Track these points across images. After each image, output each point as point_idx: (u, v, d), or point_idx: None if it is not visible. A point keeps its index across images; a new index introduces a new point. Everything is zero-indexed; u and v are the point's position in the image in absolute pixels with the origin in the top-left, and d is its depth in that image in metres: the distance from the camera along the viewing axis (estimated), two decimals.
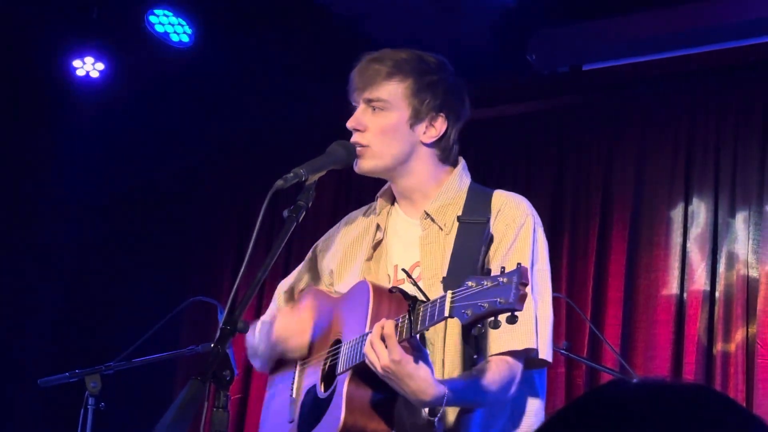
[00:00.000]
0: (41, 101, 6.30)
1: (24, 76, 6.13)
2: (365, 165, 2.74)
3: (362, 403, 2.54)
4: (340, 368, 2.61)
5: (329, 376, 2.68)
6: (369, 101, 2.74)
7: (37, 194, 6.48)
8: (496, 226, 2.65)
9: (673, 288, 5.15)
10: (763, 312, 4.90)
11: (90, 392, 4.03)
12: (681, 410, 1.18)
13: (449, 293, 2.30)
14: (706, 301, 5.06)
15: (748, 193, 5.11)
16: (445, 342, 2.58)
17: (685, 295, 5.14)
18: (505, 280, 2.21)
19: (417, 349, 2.42)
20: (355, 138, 2.74)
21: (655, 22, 5.25)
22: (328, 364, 2.71)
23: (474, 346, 2.52)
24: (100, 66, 5.94)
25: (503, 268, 2.24)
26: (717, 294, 5.04)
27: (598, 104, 5.74)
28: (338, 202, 6.12)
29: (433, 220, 2.73)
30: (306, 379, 2.80)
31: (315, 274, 2.96)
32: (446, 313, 2.29)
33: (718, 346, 4.97)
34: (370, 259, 2.80)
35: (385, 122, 2.72)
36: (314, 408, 2.69)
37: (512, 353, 2.54)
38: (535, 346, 2.56)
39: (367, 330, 2.51)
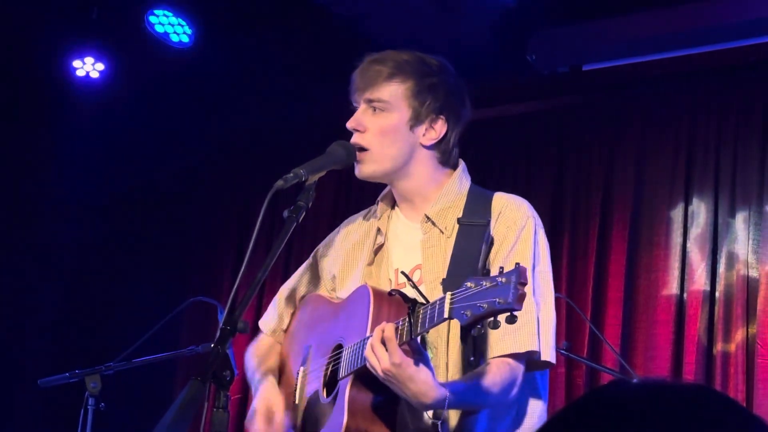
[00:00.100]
0: (41, 101, 6.30)
1: (24, 76, 6.13)
2: (365, 170, 2.74)
3: (364, 407, 2.54)
4: (341, 373, 2.61)
5: (331, 382, 2.68)
6: (370, 102, 2.73)
7: (37, 194, 6.48)
8: (497, 229, 2.65)
9: (673, 288, 5.15)
10: (763, 312, 4.90)
11: (90, 392, 4.03)
12: (681, 410, 1.18)
13: (448, 294, 2.29)
14: (706, 301, 5.06)
15: (748, 193, 5.11)
16: (449, 345, 2.58)
17: (685, 295, 5.13)
18: (503, 280, 2.20)
19: (418, 351, 2.41)
20: (355, 138, 2.73)
21: (655, 22, 5.24)
22: (330, 369, 2.71)
23: (473, 347, 2.52)
24: (100, 66, 5.94)
25: (501, 268, 2.24)
26: (717, 294, 5.04)
27: (598, 104, 5.73)
28: (338, 203, 6.12)
29: (433, 223, 2.72)
30: (308, 384, 2.80)
31: (316, 279, 2.96)
32: (445, 315, 2.28)
33: (718, 346, 4.97)
34: (371, 263, 2.79)
35: (385, 123, 2.71)
36: (317, 413, 2.69)
37: (514, 356, 2.54)
38: (537, 349, 2.55)
39: (368, 334, 2.50)
